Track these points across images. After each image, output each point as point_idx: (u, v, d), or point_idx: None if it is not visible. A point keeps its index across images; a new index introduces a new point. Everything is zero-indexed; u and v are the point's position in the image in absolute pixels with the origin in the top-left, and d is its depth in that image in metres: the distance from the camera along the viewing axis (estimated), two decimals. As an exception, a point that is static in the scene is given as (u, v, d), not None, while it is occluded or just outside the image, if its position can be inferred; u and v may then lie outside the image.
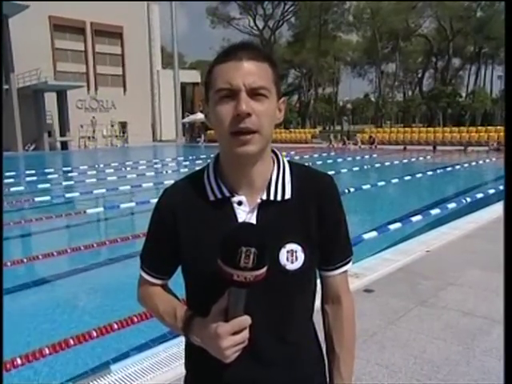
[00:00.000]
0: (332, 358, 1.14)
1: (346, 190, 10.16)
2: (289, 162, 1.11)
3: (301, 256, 1.01)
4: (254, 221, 1.02)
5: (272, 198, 1.03)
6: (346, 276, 1.14)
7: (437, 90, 46.76)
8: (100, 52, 41.61)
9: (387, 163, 17.69)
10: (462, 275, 4.45)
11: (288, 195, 1.04)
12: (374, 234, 6.00)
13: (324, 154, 23.00)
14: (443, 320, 3.45)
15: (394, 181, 12.37)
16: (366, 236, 5.83)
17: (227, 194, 1.04)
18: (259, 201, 1.03)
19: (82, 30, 39.96)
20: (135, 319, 3.26)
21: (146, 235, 1.12)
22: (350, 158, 20.96)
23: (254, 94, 0.96)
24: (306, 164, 1.16)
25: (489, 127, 29.98)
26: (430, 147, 26.01)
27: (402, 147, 26.96)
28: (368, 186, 11.06)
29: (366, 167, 16.96)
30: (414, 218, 7.00)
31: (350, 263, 1.14)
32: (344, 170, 15.38)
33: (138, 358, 2.90)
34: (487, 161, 18.61)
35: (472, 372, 2.72)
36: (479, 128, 30.16)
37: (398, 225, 6.54)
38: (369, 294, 4.03)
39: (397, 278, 4.40)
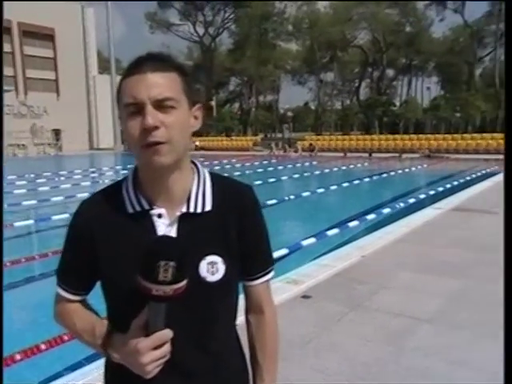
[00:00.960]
0: (255, 368, 1.15)
1: (286, 198, 10.34)
2: (210, 172, 1.11)
3: (221, 267, 1.02)
4: (174, 234, 1.01)
5: (192, 210, 1.03)
6: (267, 286, 1.16)
7: (372, 99, 48.95)
8: (29, 55, 39.88)
9: (326, 170, 18.22)
10: (394, 278, 4.67)
11: (208, 207, 1.04)
12: (312, 240, 6.14)
13: (265, 162, 23.29)
14: (376, 322, 3.60)
15: (333, 187, 12.74)
16: (304, 243, 5.96)
17: (146, 207, 1.02)
18: (179, 213, 1.02)
19: (7, 30, 37.87)
20: (65, 337, 3.16)
21: (62, 249, 1.09)
22: (290, 166, 21.37)
23: (161, 105, 0.95)
24: (227, 175, 1.17)
25: (420, 135, 31.94)
26: (367, 154, 27.16)
27: (341, 154, 27.92)
28: (308, 193, 11.32)
29: (306, 174, 17.36)
30: (351, 224, 7.26)
31: (272, 273, 1.16)
32: (284, 178, 15.69)
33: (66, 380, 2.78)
34: (419, 167, 19.72)
35: (400, 370, 2.86)
36: (411, 136, 31.92)
37: (335, 231, 6.74)
38: (306, 300, 4.12)
39: (334, 284, 4.54)
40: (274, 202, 9.73)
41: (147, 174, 1.03)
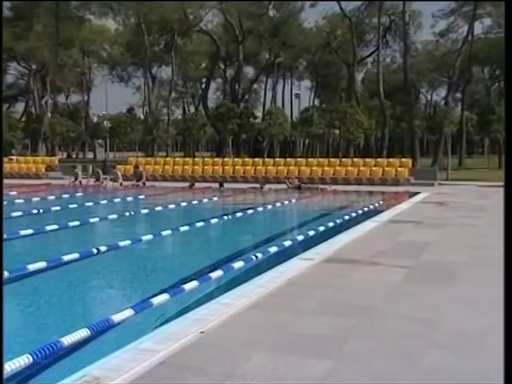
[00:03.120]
0: None
1: (95, 250, 10.09)
2: None
3: None
4: None
5: None
6: None
7: (225, 107, 51.11)
8: None
9: (158, 208, 18.33)
10: (245, 363, 4.78)
11: None
12: (126, 313, 6.03)
13: (66, 196, 22.52)
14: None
15: (166, 233, 12.87)
16: (114, 318, 5.81)
17: None
18: None
19: None
20: None
21: None
22: (105, 202, 21.02)
23: None
24: None
25: (288, 159, 34.38)
26: (218, 184, 28.10)
27: (185, 185, 28.44)
28: (128, 242, 11.22)
29: (128, 214, 17.22)
30: (188, 286, 7.33)
31: None
32: (95, 220, 15.37)
33: None
34: (286, 203, 21.01)
35: None
36: (277, 160, 34.15)
37: (163, 297, 6.73)
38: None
39: (156, 378, 4.47)
40: (73, 257, 9.50)
41: None
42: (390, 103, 58.29)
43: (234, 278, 8.26)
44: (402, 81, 54.39)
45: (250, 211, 17.88)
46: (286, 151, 67.66)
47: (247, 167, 32.43)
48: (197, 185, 28.61)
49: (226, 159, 36.42)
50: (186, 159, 36.91)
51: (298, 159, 34.96)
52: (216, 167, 32.91)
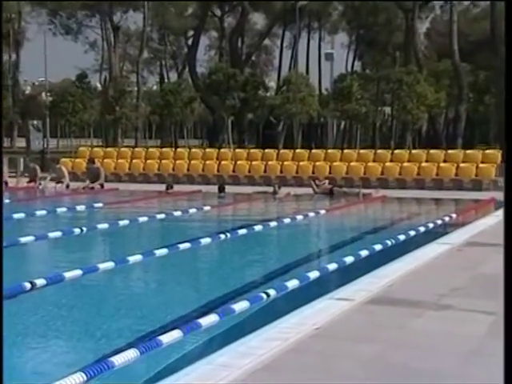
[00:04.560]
0: None
1: (27, 284, 10.03)
2: None
3: None
4: None
5: None
6: None
7: (222, 73, 50.86)
8: None
9: (123, 222, 18.25)
10: None
11: None
12: None
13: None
14: None
15: (134, 258, 12.75)
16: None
17: None
18: None
19: None
20: None
21: None
22: (42, 213, 20.83)
23: None
24: None
25: (315, 151, 34.08)
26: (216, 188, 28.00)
27: (163, 188, 28.33)
28: (76, 273, 11.13)
29: (77, 232, 17.08)
30: (167, 338, 7.30)
31: None
32: (27, 240, 15.26)
33: None
34: (311, 215, 20.78)
35: None
36: (299, 152, 34.06)
37: (130, 355, 6.71)
38: None
39: None
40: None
41: None
42: (469, 67, 57.22)
43: (233, 326, 8.22)
44: (487, 34, 53.08)
45: (258, 227, 17.77)
46: (311, 139, 66.88)
47: (254, 162, 32.46)
48: (181, 188, 28.47)
49: (223, 150, 36.40)
50: (165, 150, 36.99)
51: (330, 151, 34.79)
52: (208, 162, 32.97)
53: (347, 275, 11.02)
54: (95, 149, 39.39)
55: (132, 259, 12.77)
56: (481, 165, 29.92)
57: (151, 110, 60.80)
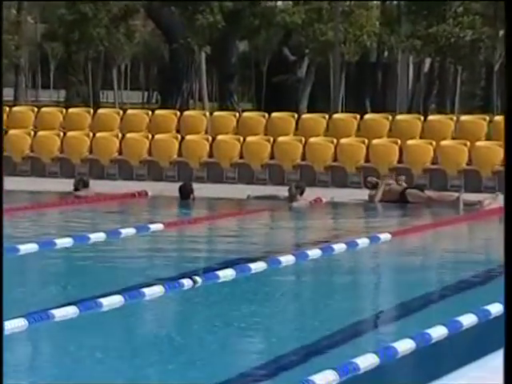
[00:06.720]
0: None
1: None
2: None
3: None
4: None
5: None
6: None
7: None
8: None
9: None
10: None
11: None
12: None
13: None
14: None
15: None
16: None
17: None
18: None
19: None
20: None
21: None
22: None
23: None
24: None
25: (373, 115, 25.80)
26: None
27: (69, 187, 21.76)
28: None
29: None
30: None
31: None
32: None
33: None
34: (363, 243, 14.21)
35: None
36: (338, 117, 25.11)
37: None
38: None
39: None
40: None
41: None
42: None
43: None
44: None
45: (262, 265, 12.30)
46: (364, 95, 50.44)
47: (251, 139, 23.84)
48: (104, 186, 22.01)
49: (189, 113, 27.56)
50: (75, 111, 26.96)
51: (401, 117, 26.42)
52: (160, 137, 24.13)
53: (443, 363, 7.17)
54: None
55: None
56: None
57: (47, 33, 46.63)
